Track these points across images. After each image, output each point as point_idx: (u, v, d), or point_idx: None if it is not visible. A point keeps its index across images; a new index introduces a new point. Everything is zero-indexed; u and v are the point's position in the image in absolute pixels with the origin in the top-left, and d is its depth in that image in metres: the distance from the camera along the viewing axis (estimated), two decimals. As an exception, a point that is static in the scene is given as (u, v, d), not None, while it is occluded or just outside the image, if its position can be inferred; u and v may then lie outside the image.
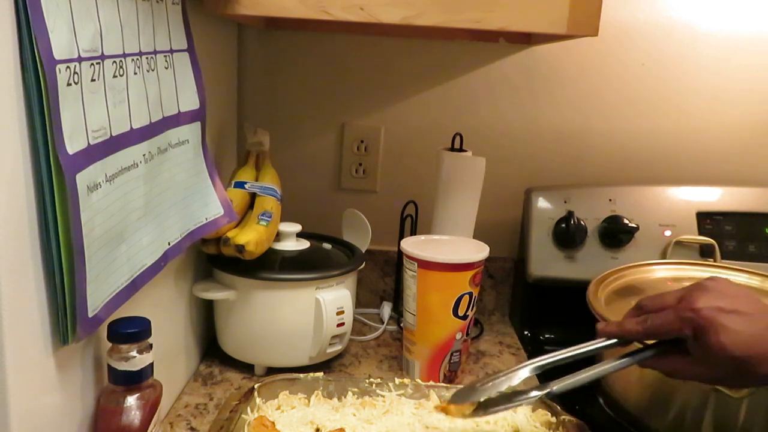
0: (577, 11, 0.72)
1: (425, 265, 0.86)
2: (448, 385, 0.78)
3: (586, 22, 0.73)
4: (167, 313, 0.80)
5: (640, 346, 0.66)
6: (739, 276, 0.91)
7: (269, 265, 0.88)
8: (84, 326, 0.52)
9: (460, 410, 0.66)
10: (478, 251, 0.88)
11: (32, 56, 0.45)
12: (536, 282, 1.05)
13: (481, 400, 0.64)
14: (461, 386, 0.70)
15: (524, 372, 0.65)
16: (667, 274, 0.95)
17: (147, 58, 0.62)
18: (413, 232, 1.09)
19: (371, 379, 0.78)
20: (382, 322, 1.11)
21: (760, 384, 0.64)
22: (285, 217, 0.94)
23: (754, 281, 0.90)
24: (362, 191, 1.18)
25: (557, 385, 0.64)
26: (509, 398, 0.65)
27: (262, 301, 0.88)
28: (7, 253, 0.45)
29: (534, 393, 0.65)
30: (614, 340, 0.66)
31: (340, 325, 0.88)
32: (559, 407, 0.73)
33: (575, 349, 0.66)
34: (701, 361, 0.60)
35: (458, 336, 0.88)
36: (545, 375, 0.66)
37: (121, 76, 0.57)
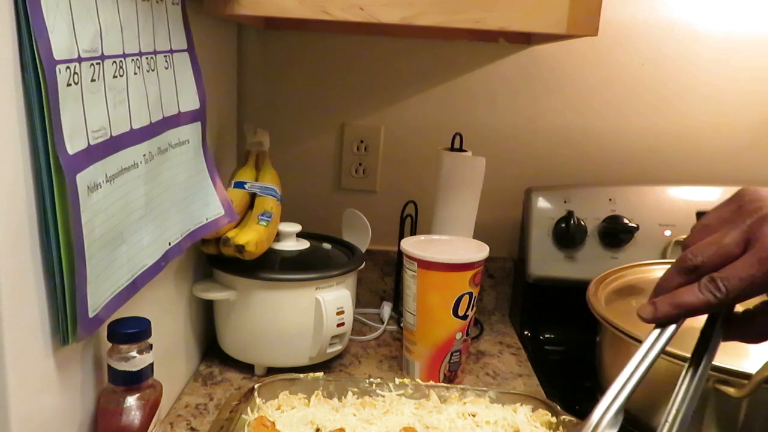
0: (577, 11, 0.72)
1: (425, 265, 0.86)
2: (448, 385, 0.78)
3: (586, 22, 0.73)
4: (167, 313, 0.80)
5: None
6: None
7: (269, 265, 0.88)
8: (85, 326, 0.52)
9: None
10: (478, 251, 0.88)
11: (32, 56, 0.45)
12: (536, 282, 1.05)
13: None
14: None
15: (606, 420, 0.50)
16: (667, 274, 0.95)
17: (147, 58, 0.62)
18: (413, 232, 1.09)
19: (371, 379, 0.78)
20: (382, 322, 1.11)
21: None
22: (285, 217, 0.94)
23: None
24: (362, 191, 1.18)
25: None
26: None
27: (262, 301, 0.88)
28: (7, 253, 0.45)
29: None
30: (673, 327, 0.49)
31: (340, 325, 0.88)
32: (559, 407, 0.73)
33: (639, 365, 0.51)
34: None
35: (458, 336, 0.88)
36: None
37: (121, 76, 0.57)
